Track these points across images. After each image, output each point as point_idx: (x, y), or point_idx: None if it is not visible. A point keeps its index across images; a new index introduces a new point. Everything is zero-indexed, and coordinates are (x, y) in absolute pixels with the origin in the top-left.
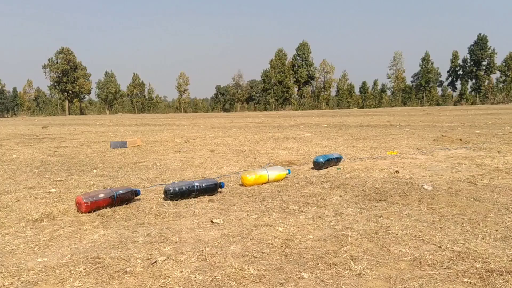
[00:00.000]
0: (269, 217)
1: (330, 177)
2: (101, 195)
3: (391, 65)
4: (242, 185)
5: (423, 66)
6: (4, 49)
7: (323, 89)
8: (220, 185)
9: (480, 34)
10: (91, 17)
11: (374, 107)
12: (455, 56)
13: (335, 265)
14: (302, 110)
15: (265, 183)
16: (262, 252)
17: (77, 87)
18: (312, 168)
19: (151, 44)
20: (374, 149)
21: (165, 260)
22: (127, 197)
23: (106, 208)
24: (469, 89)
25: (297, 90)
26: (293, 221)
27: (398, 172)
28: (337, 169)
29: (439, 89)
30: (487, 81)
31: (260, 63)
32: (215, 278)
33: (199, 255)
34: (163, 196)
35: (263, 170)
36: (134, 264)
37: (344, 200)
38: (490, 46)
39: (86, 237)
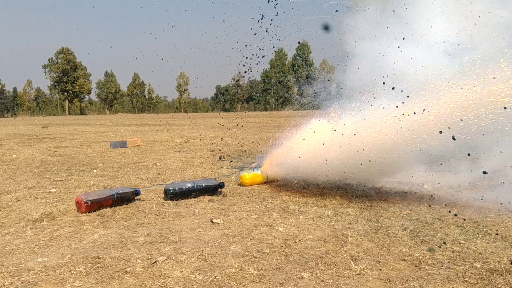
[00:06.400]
0: (269, 217)
1: (330, 177)
2: (101, 195)
3: None
4: (241, 185)
5: None
6: (4, 49)
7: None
8: (221, 185)
9: None
10: (91, 16)
11: None
12: None
13: (335, 265)
14: (303, 110)
15: (264, 183)
16: (262, 252)
17: (77, 87)
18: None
19: (151, 44)
20: None
21: (165, 260)
22: (127, 197)
23: (106, 208)
24: None
25: (297, 90)
26: (293, 221)
27: None
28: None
29: None
30: None
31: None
32: (215, 278)
33: (199, 255)
34: (163, 196)
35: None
36: (134, 264)
37: (344, 200)
38: None
39: (86, 237)
